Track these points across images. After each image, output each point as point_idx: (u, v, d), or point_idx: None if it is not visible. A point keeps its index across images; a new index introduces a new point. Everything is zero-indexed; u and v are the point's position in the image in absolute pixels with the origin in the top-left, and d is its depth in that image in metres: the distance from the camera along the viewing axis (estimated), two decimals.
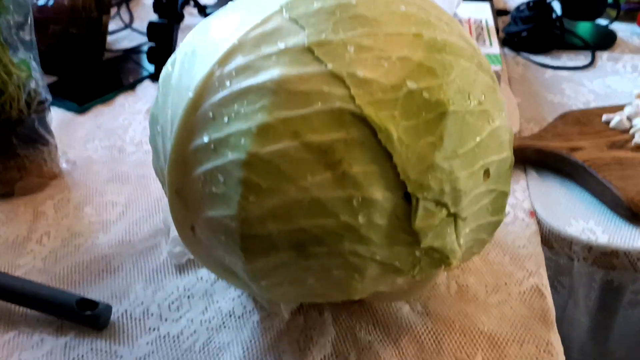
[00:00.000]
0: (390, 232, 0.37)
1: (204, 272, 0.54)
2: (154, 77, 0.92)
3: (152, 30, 0.89)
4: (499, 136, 0.41)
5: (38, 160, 0.66)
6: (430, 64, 0.38)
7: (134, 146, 0.75)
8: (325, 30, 0.37)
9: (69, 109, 0.84)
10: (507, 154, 0.42)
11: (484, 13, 0.95)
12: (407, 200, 0.36)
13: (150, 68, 0.94)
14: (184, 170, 0.39)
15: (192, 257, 0.55)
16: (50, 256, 0.57)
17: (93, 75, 0.94)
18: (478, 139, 0.39)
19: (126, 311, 0.50)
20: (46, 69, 0.69)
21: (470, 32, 0.87)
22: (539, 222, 0.60)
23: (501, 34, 1.05)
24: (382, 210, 0.36)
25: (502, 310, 0.49)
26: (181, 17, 0.93)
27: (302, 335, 0.47)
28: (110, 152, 0.74)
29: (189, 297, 0.51)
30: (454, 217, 0.38)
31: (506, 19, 1.13)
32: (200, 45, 0.41)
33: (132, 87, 0.90)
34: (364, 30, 0.37)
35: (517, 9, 1.03)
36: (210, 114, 0.37)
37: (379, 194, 0.36)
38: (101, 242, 0.59)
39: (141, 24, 1.14)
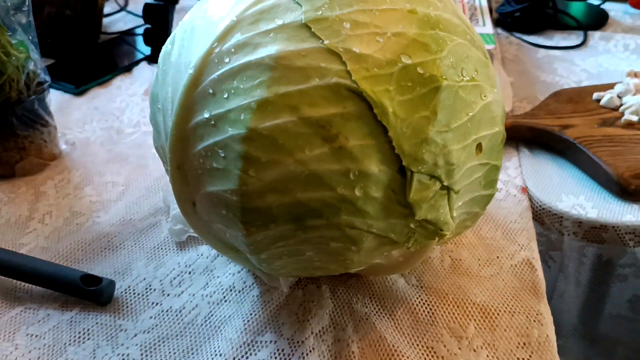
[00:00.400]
0: (385, 205, 0.38)
1: (204, 249, 0.55)
2: (150, 59, 0.92)
3: (148, 11, 0.89)
4: (491, 111, 0.42)
5: (38, 141, 0.67)
6: (424, 39, 0.39)
7: (131, 127, 0.76)
8: (321, 6, 0.38)
9: (66, 90, 0.84)
10: (499, 128, 0.44)
11: None
12: (402, 173, 0.37)
13: (146, 50, 0.94)
14: (185, 147, 0.40)
15: (192, 234, 0.56)
16: (52, 235, 0.58)
17: (89, 58, 0.94)
18: (470, 113, 0.40)
19: (129, 287, 0.51)
20: (43, 51, 0.69)
21: (464, 12, 0.88)
22: (531, 198, 0.62)
23: (495, 15, 1.06)
24: (378, 183, 0.37)
25: (494, 283, 0.51)
26: None
27: (301, 308, 0.48)
28: (108, 133, 0.75)
29: (190, 273, 0.53)
30: (448, 190, 0.39)
31: None
32: (199, 22, 0.42)
33: (128, 69, 0.90)
34: (360, 7, 0.38)
35: None
36: (211, 90, 0.38)
37: (375, 167, 0.37)
38: (102, 221, 0.60)
39: (136, 6, 1.14)
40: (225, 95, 0.38)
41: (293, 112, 0.36)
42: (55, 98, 0.80)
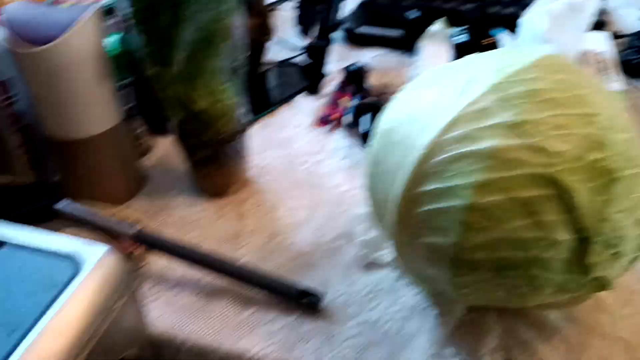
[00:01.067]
0: (567, 265, 0.50)
1: (385, 273, 0.68)
2: (308, 90, 1.06)
3: (312, 51, 1.04)
4: None
5: (238, 169, 0.82)
6: (604, 139, 0.50)
7: (303, 157, 0.90)
8: (526, 111, 0.50)
9: None
10: None
11: (604, 44, 1.04)
12: (583, 242, 0.49)
13: (302, 81, 1.08)
14: (410, 206, 0.53)
15: (376, 259, 0.69)
16: (259, 252, 0.73)
17: (257, 87, 1.08)
18: (638, 195, 0.51)
19: (332, 300, 0.66)
20: None
21: (593, 68, 0.97)
22: None
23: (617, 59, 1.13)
24: (564, 248, 0.49)
25: (635, 321, 0.62)
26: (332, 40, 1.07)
27: (474, 330, 0.61)
28: (284, 161, 0.90)
29: (378, 291, 0.66)
30: (617, 254, 0.51)
31: (621, 41, 1.20)
32: (419, 112, 0.55)
33: (290, 99, 1.05)
34: (556, 112, 0.50)
35: (636, 36, 1.11)
36: (437, 169, 0.51)
37: (564, 236, 0.49)
38: (297, 241, 0.74)
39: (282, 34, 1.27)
40: (450, 174, 0.51)
41: (504, 193, 0.49)
42: None
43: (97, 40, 0.71)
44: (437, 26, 1.13)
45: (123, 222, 0.69)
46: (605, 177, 0.49)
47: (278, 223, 0.77)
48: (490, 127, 0.50)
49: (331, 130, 0.97)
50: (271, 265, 0.70)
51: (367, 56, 1.17)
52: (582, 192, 0.48)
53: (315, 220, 0.78)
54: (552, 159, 0.48)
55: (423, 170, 0.53)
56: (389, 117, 0.58)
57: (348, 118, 0.95)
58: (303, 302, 0.64)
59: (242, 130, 0.80)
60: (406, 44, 1.16)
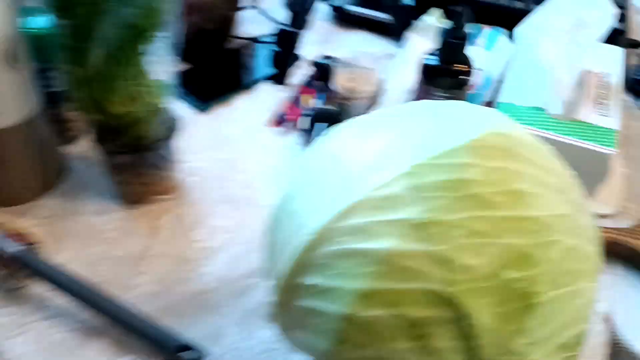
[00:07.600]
0: None
1: None
2: (273, 79, 0.95)
3: (282, 37, 0.93)
4: (583, 311, 0.44)
5: (164, 176, 0.73)
6: (532, 250, 0.40)
7: (244, 163, 0.81)
8: (441, 207, 0.40)
9: (192, 105, 0.90)
10: (586, 325, 0.45)
11: (612, 62, 0.90)
12: None
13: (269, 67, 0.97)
14: (289, 295, 0.45)
15: None
16: (157, 283, 0.64)
17: (217, 66, 0.98)
18: (560, 322, 0.42)
19: (219, 356, 0.58)
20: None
21: (592, 95, 0.84)
22: (614, 333, 0.61)
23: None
24: None
25: None
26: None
27: None
28: (222, 166, 0.80)
29: (273, 350, 0.58)
30: None
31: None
32: (320, 183, 0.45)
33: (249, 86, 0.94)
34: (478, 213, 0.40)
35: None
36: (321, 262, 0.42)
37: None
38: (205, 272, 0.66)
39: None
40: (334, 272, 0.41)
41: (390, 308, 0.40)
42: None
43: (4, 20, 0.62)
44: (431, 17, 1.00)
45: (6, 238, 0.61)
46: (519, 302, 0.40)
47: (192, 246, 0.69)
48: (391, 222, 0.41)
49: (285, 132, 0.87)
50: (163, 304, 0.62)
51: (350, 41, 1.06)
52: (486, 318, 0.39)
53: (234, 247, 0.69)
54: (455, 275, 0.39)
55: (307, 259, 0.43)
56: (293, 182, 0.48)
57: (304, 122, 0.84)
58: (181, 358, 0.56)
59: (168, 136, 0.71)
60: (395, 32, 1.04)
